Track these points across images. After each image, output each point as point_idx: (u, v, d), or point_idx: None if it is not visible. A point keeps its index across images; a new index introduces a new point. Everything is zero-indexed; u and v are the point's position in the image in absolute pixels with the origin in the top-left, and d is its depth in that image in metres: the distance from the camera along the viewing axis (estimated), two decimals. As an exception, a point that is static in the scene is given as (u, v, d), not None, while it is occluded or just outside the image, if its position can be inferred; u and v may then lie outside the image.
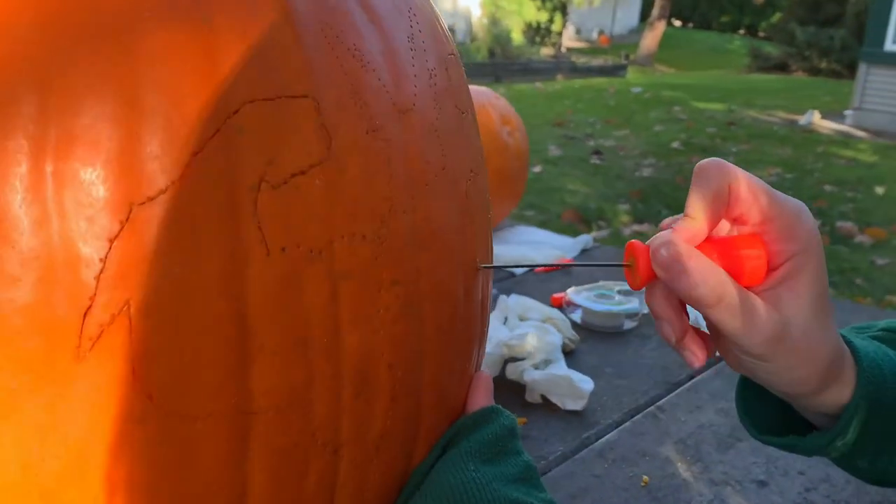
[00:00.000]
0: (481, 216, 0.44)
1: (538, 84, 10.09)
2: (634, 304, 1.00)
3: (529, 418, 0.76)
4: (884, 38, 7.22)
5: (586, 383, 0.78)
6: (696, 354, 0.40)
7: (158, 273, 0.29)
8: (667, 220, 0.39)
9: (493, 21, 13.50)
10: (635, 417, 0.77)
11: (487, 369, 0.80)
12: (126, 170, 0.28)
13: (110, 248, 0.28)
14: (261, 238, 0.31)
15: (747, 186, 0.36)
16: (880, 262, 3.53)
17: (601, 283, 1.08)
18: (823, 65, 12.40)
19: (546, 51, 14.18)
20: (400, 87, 0.36)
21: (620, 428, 0.75)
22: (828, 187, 4.71)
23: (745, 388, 0.46)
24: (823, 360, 0.38)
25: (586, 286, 1.06)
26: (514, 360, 0.83)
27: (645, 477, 0.67)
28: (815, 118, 7.53)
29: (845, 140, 6.71)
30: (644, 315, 1.02)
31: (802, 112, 7.91)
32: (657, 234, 0.36)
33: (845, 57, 11.93)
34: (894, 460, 0.43)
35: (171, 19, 0.30)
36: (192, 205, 0.29)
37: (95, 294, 0.28)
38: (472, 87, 1.28)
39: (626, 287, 1.05)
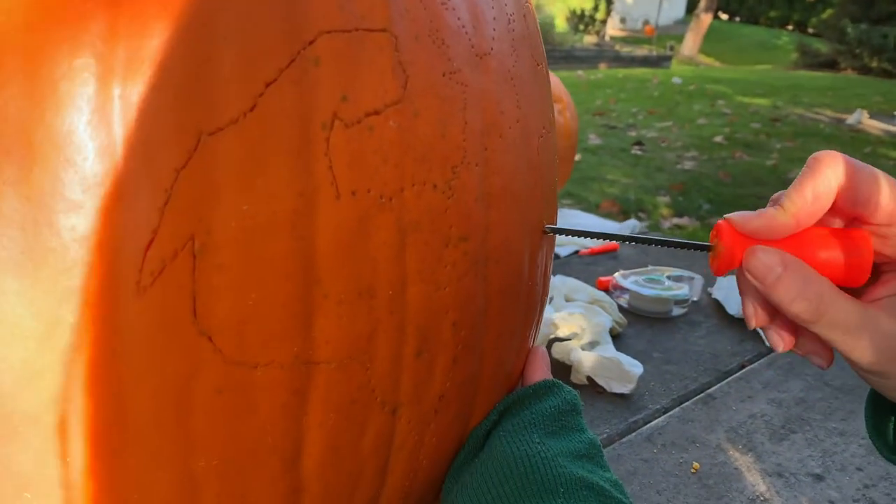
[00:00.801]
0: (549, 177, 0.42)
1: (580, 72, 9.97)
2: (685, 290, 0.97)
3: (574, 399, 0.74)
4: (940, 38, 6.99)
5: (636, 367, 0.75)
6: (784, 339, 0.35)
7: (225, 208, 0.27)
8: (776, 195, 0.35)
9: (537, 7, 13.36)
10: (685, 404, 0.75)
11: (532, 347, 0.78)
12: (196, 97, 0.27)
13: (176, 179, 0.27)
14: (331, 179, 0.29)
15: (867, 185, 0.32)
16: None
17: (650, 267, 1.05)
18: (875, 63, 12.07)
19: (589, 39, 14.00)
20: (479, 29, 0.34)
21: (669, 414, 0.73)
22: (875, 188, 4.58)
23: (875, 401, 0.39)
24: None
25: (635, 270, 1.03)
26: (560, 339, 0.81)
27: (695, 463, 0.64)
28: (864, 118, 7.34)
29: (894, 141, 6.54)
30: (694, 302, 0.99)
31: (851, 111, 7.72)
32: (750, 218, 0.33)
33: (898, 56, 11.60)
34: None
35: (248, -59, 0.28)
36: (264, 138, 0.28)
37: (159, 227, 0.27)
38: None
39: (677, 272, 1.03)
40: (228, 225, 0.27)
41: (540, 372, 0.44)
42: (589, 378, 0.76)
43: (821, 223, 0.34)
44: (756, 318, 0.35)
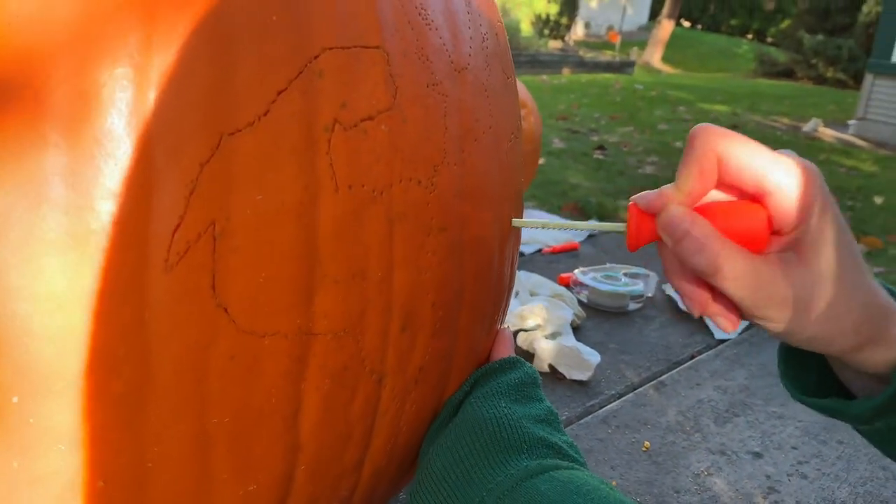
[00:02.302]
0: (517, 177, 0.47)
1: (544, 77, 10.08)
2: (640, 286, 1.03)
3: (537, 385, 0.80)
4: (891, 50, 7.24)
5: (593, 356, 0.81)
6: (729, 318, 0.39)
7: (242, 198, 0.32)
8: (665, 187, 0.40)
9: (503, 11, 13.48)
10: (638, 390, 0.81)
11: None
12: (219, 103, 0.31)
13: (201, 172, 0.31)
14: (332, 175, 0.34)
15: (741, 154, 0.36)
16: (875, 270, 3.57)
17: (608, 265, 1.11)
18: (830, 73, 12.41)
19: (554, 44, 14.16)
20: (457, 47, 0.39)
21: (623, 398, 0.78)
22: (827, 195, 4.73)
23: (786, 350, 0.46)
24: (851, 319, 0.38)
25: (594, 267, 1.09)
26: (525, 330, 0.86)
27: (646, 442, 0.70)
28: (819, 126, 7.55)
29: (847, 149, 6.74)
30: (648, 298, 1.06)
31: (806, 119, 7.94)
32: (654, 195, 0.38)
33: (852, 67, 11.95)
34: None
35: (262, -31, 0.33)
36: (275, 138, 0.32)
37: (185, 213, 0.31)
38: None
39: (633, 270, 1.09)
40: (244, 212, 0.32)
41: (506, 350, 0.49)
42: (550, 366, 0.82)
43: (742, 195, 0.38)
44: (696, 306, 0.40)
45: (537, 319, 0.86)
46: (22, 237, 0.30)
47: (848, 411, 0.42)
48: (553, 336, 0.85)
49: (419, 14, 0.37)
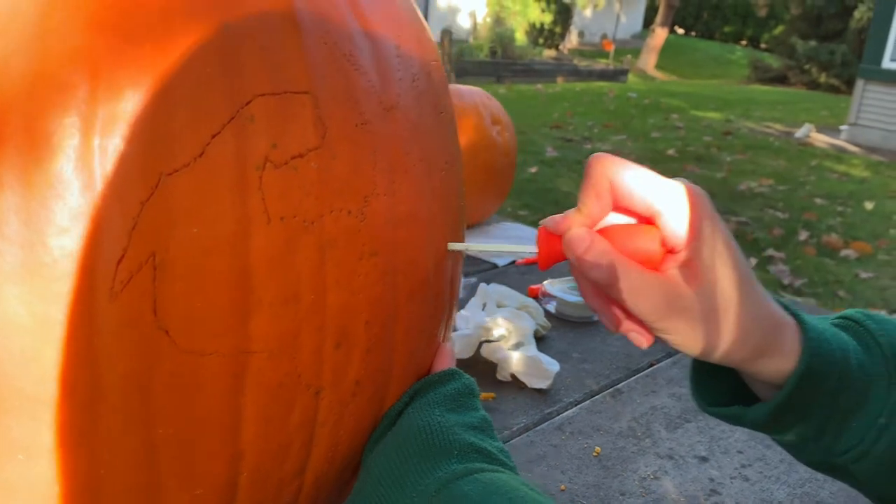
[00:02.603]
0: (453, 204, 0.51)
1: (539, 86, 10.15)
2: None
3: (499, 394, 0.83)
4: (882, 55, 7.30)
5: (552, 365, 0.84)
6: (643, 335, 0.44)
7: (179, 231, 0.35)
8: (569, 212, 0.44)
9: (497, 21, 13.56)
10: (595, 397, 0.84)
11: (465, 348, 0.87)
12: (158, 146, 0.35)
13: (142, 209, 0.35)
14: (263, 209, 0.37)
15: (627, 185, 0.41)
16: (864, 275, 3.61)
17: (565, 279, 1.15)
18: (822, 79, 12.49)
19: (548, 53, 14.24)
20: (386, 88, 0.43)
21: (580, 406, 0.82)
22: (818, 200, 4.79)
23: (697, 365, 0.50)
24: (743, 330, 0.42)
25: (562, 279, 1.13)
26: (490, 341, 0.90)
27: (597, 448, 0.74)
28: (812, 132, 7.60)
29: (839, 155, 6.80)
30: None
31: (799, 125, 8.00)
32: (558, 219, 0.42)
33: (845, 72, 12.03)
34: (837, 441, 0.45)
35: (199, 23, 0.37)
36: (209, 177, 0.36)
37: (128, 247, 0.35)
38: (467, 88, 1.35)
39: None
40: (182, 245, 0.36)
41: (446, 363, 0.52)
42: (512, 375, 0.85)
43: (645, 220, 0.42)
44: (611, 324, 0.44)
45: (501, 331, 0.89)
46: (-20, 270, 0.33)
47: (746, 417, 0.46)
48: (516, 346, 0.88)
49: (347, 60, 0.41)
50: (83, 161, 0.34)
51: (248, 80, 0.37)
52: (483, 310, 0.99)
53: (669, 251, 0.42)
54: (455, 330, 0.90)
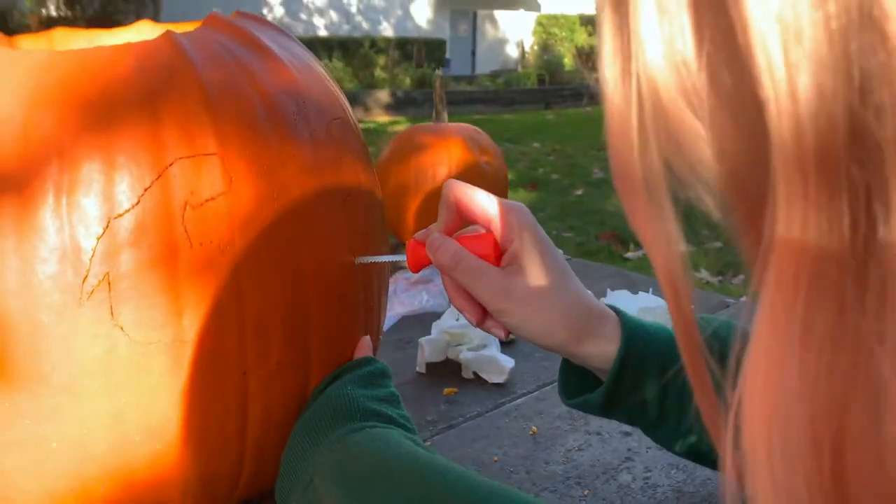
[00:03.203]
0: (358, 226, 0.65)
1: (588, 108, 10.24)
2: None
3: (461, 389, 0.96)
4: None
5: (508, 362, 0.97)
6: (499, 328, 0.58)
7: (125, 255, 0.51)
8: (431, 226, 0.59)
9: (545, 48, 13.77)
10: (545, 388, 0.97)
11: (435, 352, 1.00)
12: (107, 198, 0.51)
13: (97, 243, 0.51)
14: (187, 237, 0.53)
15: (464, 199, 0.56)
16: None
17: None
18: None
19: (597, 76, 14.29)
20: (285, 144, 0.58)
21: (530, 395, 0.95)
22: None
23: (564, 366, 0.61)
24: (560, 313, 0.54)
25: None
26: (459, 345, 1.03)
27: (534, 427, 0.86)
28: None
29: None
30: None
31: None
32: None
33: None
34: (703, 440, 0.54)
35: (134, 112, 0.52)
36: (145, 217, 0.52)
37: (89, 268, 0.51)
38: (459, 125, 1.50)
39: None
40: (128, 264, 0.51)
41: (363, 352, 0.66)
42: (474, 373, 0.99)
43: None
44: (473, 318, 0.58)
45: (465, 336, 1.03)
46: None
47: (589, 402, 0.58)
48: (478, 348, 1.01)
49: (249, 127, 0.56)
50: (56, 212, 0.50)
51: (170, 149, 0.53)
52: (457, 320, 1.13)
53: (502, 251, 0.56)
54: (429, 335, 1.04)
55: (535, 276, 0.55)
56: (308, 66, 0.65)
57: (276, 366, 0.59)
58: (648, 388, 0.56)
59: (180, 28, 0.65)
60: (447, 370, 1.01)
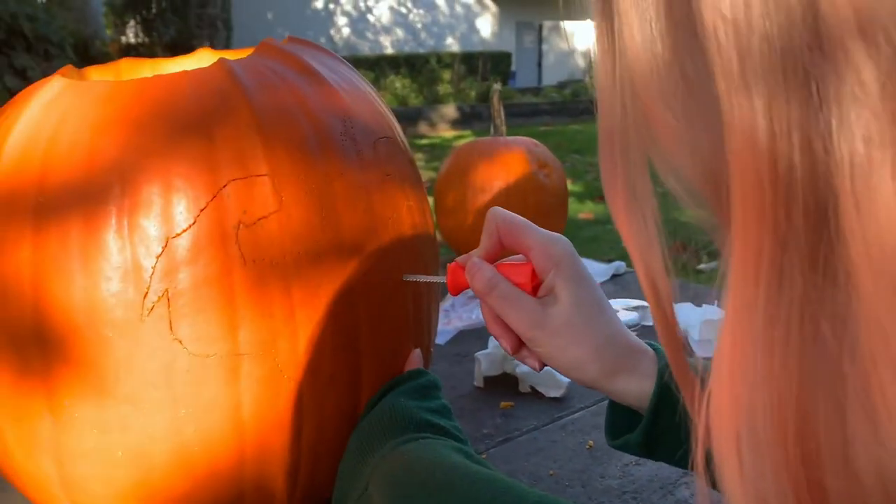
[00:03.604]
0: (408, 242, 0.66)
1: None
2: (634, 316, 1.18)
3: (517, 403, 0.97)
4: None
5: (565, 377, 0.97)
6: (533, 359, 0.57)
7: (183, 273, 0.54)
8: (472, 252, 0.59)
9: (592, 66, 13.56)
10: (601, 403, 0.96)
11: (491, 366, 1.01)
12: (165, 219, 0.54)
13: (157, 261, 0.53)
14: (240, 254, 0.55)
15: (506, 228, 0.56)
16: None
17: (611, 300, 1.26)
18: None
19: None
20: (331, 163, 0.60)
21: (586, 410, 0.94)
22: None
23: (610, 405, 0.59)
24: (591, 347, 0.53)
25: (624, 300, 1.25)
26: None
27: (591, 441, 0.86)
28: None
29: None
30: (644, 326, 1.20)
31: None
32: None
33: None
34: None
35: (191, 136, 0.55)
36: (201, 236, 0.54)
37: (150, 285, 0.53)
38: (513, 137, 1.51)
39: (634, 302, 1.24)
40: (185, 282, 0.54)
41: (414, 364, 0.68)
42: (531, 387, 0.99)
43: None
44: (508, 345, 0.57)
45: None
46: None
47: (630, 441, 0.56)
48: (535, 362, 1.01)
49: (297, 147, 0.58)
50: (118, 233, 0.53)
51: (224, 171, 0.55)
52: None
53: (540, 282, 0.56)
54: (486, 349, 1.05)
55: (569, 308, 0.54)
56: (355, 87, 0.67)
57: (328, 379, 0.61)
58: (686, 427, 0.54)
59: (235, 55, 0.68)
60: (504, 384, 1.01)
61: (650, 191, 0.21)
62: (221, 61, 0.60)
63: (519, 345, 0.58)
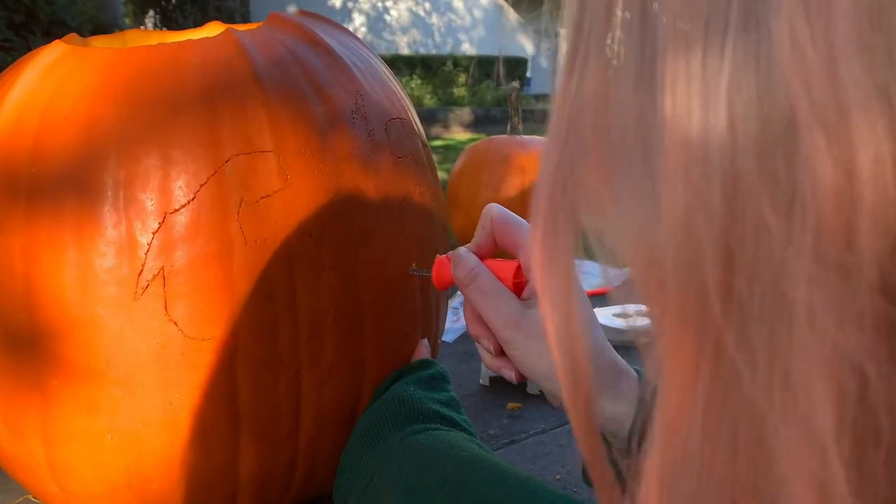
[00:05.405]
0: (418, 230, 0.64)
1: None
2: (620, 323, 1.15)
3: (525, 404, 0.94)
4: None
5: (575, 378, 0.94)
6: (511, 370, 0.53)
7: (180, 251, 0.51)
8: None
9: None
10: (612, 406, 0.93)
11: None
12: (163, 194, 0.51)
13: (153, 237, 0.51)
14: (241, 234, 0.52)
15: (501, 224, 0.53)
16: None
17: (624, 305, 1.23)
18: None
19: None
20: (341, 142, 0.57)
21: (596, 413, 0.91)
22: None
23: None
24: None
25: (608, 307, 1.22)
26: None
27: (599, 446, 0.82)
28: None
29: None
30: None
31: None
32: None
33: None
34: None
35: (194, 107, 0.53)
36: (200, 213, 0.51)
37: (145, 262, 0.51)
38: (530, 137, 1.48)
39: (616, 309, 1.21)
40: (182, 261, 0.51)
41: (421, 354, 0.65)
42: (540, 389, 0.96)
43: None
44: (490, 347, 0.53)
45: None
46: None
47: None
48: (544, 362, 0.98)
49: (305, 123, 0.56)
50: (113, 206, 0.50)
51: (227, 146, 0.53)
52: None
53: (525, 280, 0.53)
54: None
55: None
56: (369, 64, 0.64)
57: (329, 366, 0.58)
58: None
59: (244, 28, 0.65)
60: (511, 385, 0.98)
61: (570, 226, 0.21)
62: (229, 31, 0.58)
63: (499, 350, 0.53)
